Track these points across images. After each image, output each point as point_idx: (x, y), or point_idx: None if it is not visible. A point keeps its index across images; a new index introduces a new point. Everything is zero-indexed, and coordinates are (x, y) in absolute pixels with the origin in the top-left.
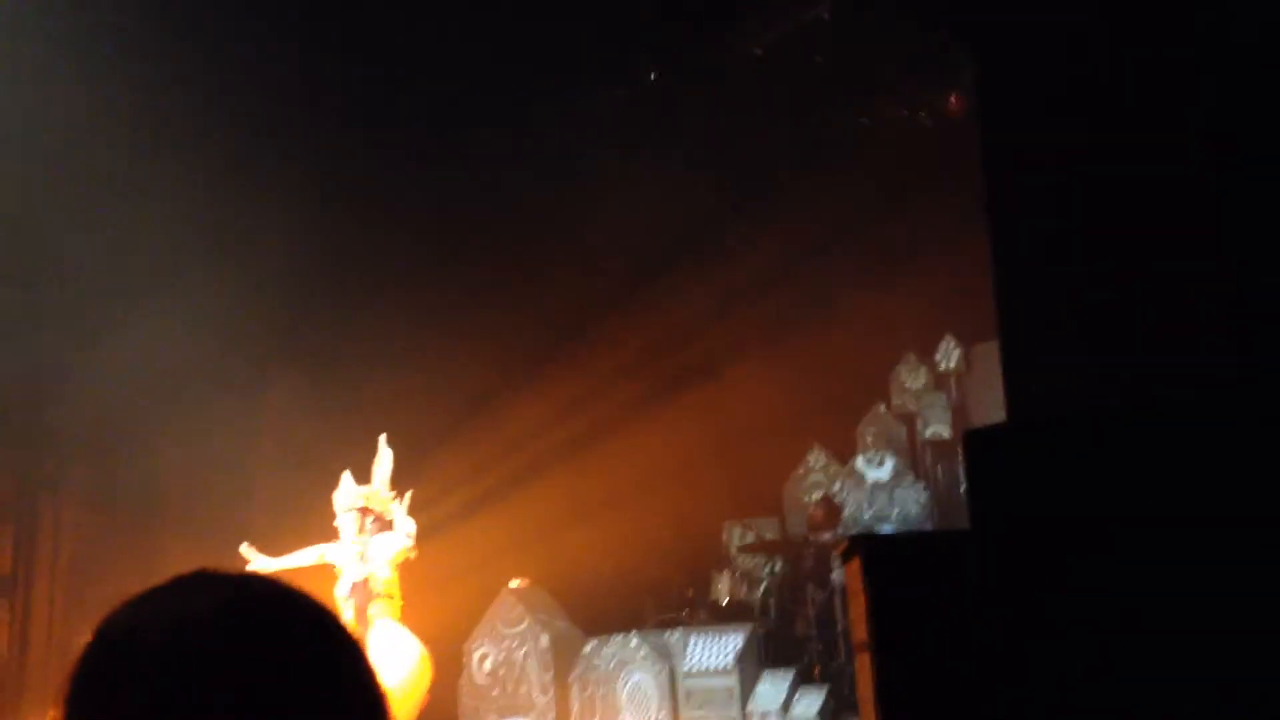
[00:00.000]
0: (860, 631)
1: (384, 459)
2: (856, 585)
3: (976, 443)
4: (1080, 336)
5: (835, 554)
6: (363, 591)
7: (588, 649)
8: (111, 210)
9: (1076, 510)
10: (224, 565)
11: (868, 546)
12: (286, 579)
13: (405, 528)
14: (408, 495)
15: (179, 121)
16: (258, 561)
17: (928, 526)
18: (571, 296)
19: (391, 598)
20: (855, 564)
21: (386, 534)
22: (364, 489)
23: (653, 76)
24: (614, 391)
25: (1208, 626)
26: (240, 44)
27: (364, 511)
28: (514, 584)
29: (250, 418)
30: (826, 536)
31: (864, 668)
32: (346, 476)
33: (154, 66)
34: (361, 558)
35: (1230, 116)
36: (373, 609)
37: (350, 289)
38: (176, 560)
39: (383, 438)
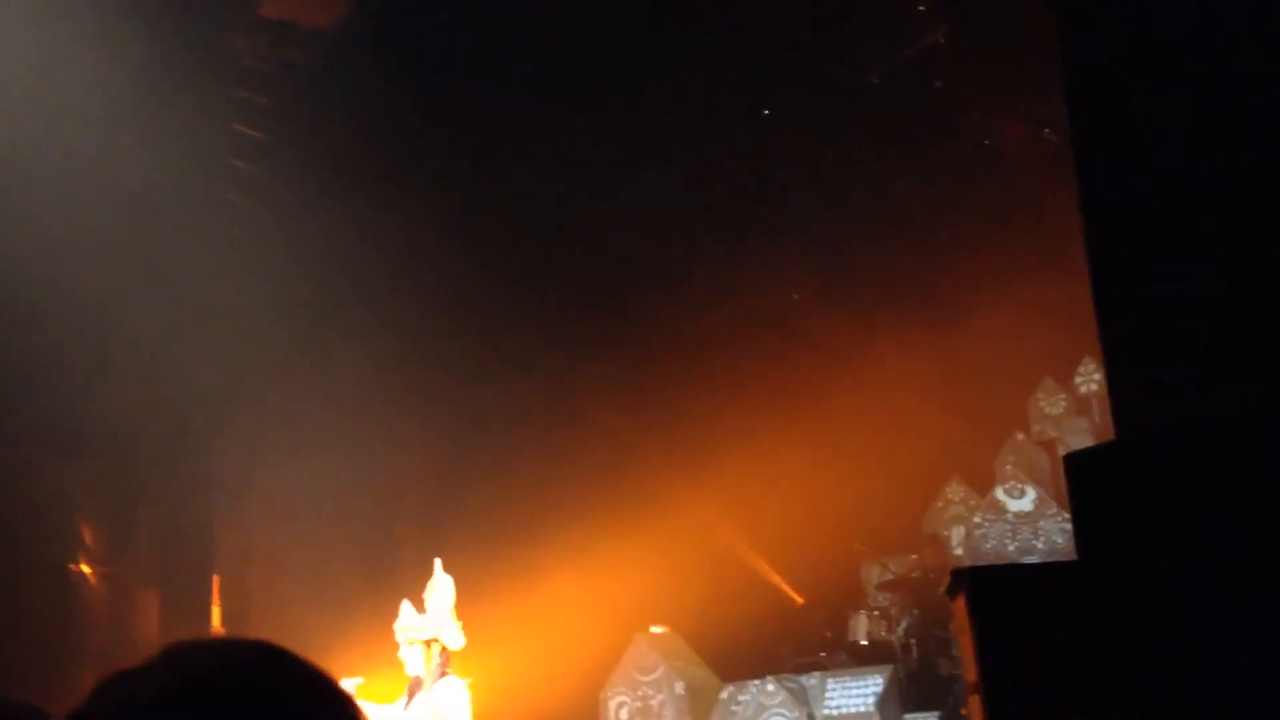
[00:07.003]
0: (970, 673)
1: (443, 586)
2: (963, 623)
3: (1076, 465)
4: (1183, 350)
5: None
6: None
7: (724, 695)
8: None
9: (1183, 527)
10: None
11: (972, 581)
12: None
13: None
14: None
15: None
16: None
17: (1074, 558)
18: (698, 339)
19: None
20: (960, 600)
21: (453, 680)
22: (426, 618)
23: (766, 112)
24: (745, 434)
25: None
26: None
27: (429, 643)
28: (652, 630)
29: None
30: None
31: (975, 712)
32: (406, 606)
33: None
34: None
35: None
36: None
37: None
38: None
39: (438, 562)
